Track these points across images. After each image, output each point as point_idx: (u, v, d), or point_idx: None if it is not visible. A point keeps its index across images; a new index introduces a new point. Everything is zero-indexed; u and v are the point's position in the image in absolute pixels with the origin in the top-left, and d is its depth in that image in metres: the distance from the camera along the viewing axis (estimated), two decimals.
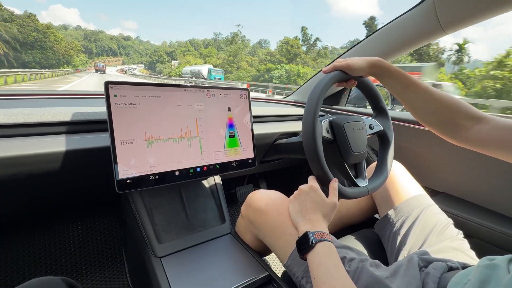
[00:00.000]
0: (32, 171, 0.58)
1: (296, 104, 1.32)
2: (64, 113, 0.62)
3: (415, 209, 0.67)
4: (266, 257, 1.12)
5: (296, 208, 0.58)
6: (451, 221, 0.65)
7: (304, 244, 0.50)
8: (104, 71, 41.64)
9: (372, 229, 0.78)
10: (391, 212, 0.70)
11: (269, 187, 1.49)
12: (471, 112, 0.51)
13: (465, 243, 0.61)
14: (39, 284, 0.39)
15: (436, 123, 0.56)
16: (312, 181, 0.59)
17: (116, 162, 0.57)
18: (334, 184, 0.56)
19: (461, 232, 0.63)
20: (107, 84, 0.57)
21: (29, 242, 0.91)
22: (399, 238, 0.66)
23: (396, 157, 0.75)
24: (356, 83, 0.65)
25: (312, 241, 0.49)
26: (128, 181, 0.59)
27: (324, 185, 0.59)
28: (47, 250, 0.93)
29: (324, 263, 0.46)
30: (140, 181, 0.61)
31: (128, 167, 0.59)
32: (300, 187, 0.59)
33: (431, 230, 0.63)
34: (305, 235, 0.50)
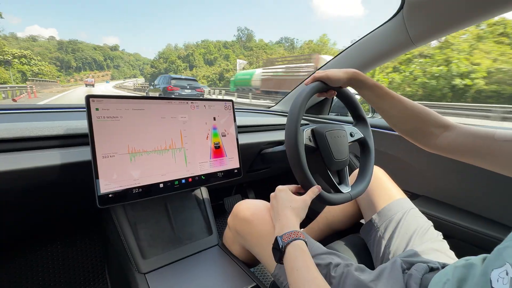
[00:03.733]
0: (7, 188, 0.55)
1: (281, 113, 1.35)
2: (43, 127, 0.61)
3: (397, 213, 0.69)
4: (255, 268, 1.10)
5: (272, 214, 0.59)
6: (431, 223, 0.68)
7: (276, 250, 0.50)
8: (93, 85, 44.35)
9: (358, 234, 0.79)
10: (375, 217, 0.72)
11: (258, 196, 1.48)
12: (439, 120, 0.55)
13: (445, 244, 0.64)
14: None
15: (408, 131, 0.60)
16: (279, 187, 0.60)
17: (97, 177, 0.56)
18: (314, 188, 0.57)
19: (440, 233, 0.66)
20: (88, 97, 0.57)
21: (8, 265, 0.86)
22: (383, 242, 0.68)
23: (377, 163, 0.78)
24: (336, 93, 0.68)
25: (281, 246, 0.48)
26: (110, 195, 0.58)
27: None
28: (28, 272, 0.88)
29: (295, 267, 0.45)
30: (123, 195, 0.60)
31: (110, 181, 0.58)
32: (271, 194, 0.61)
33: (413, 233, 0.65)
34: (276, 241, 0.50)
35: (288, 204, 0.55)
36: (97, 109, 0.57)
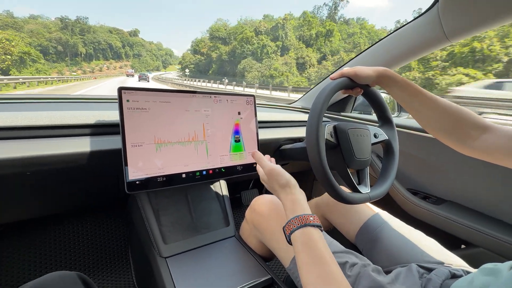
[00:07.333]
0: (47, 171, 0.61)
1: (302, 110, 1.34)
2: (78, 116, 0.66)
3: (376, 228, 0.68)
4: (270, 263, 1.12)
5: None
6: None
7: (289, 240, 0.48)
8: (133, 75, 49.74)
9: None
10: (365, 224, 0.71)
11: None
12: (478, 121, 0.51)
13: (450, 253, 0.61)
14: (56, 278, 0.41)
15: (442, 132, 0.56)
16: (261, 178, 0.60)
17: (126, 164, 0.60)
18: (256, 154, 0.60)
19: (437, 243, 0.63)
20: (120, 89, 0.60)
21: (42, 240, 0.95)
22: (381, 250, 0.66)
23: (402, 165, 0.75)
24: (362, 91, 0.66)
25: (286, 239, 0.47)
26: (137, 182, 0.62)
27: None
28: (57, 248, 0.97)
29: (299, 258, 0.43)
30: (148, 183, 0.63)
31: (137, 169, 0.61)
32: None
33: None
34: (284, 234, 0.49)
35: (274, 184, 0.54)
36: (128, 101, 0.61)
